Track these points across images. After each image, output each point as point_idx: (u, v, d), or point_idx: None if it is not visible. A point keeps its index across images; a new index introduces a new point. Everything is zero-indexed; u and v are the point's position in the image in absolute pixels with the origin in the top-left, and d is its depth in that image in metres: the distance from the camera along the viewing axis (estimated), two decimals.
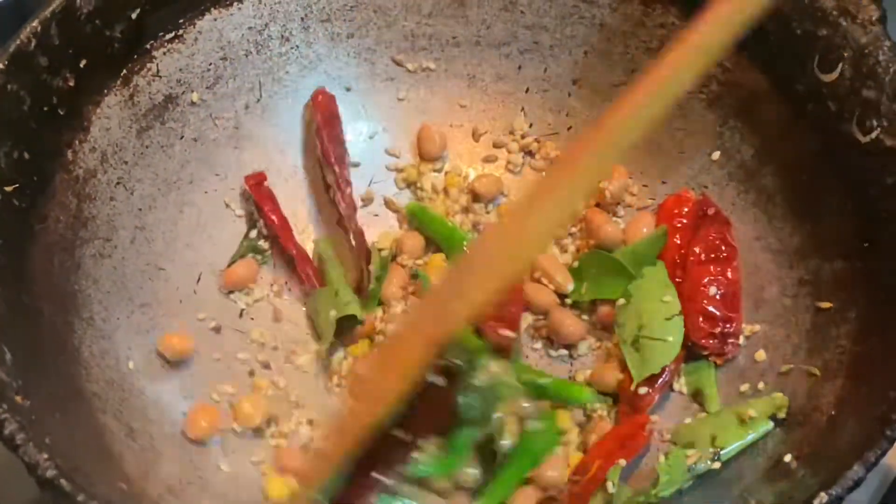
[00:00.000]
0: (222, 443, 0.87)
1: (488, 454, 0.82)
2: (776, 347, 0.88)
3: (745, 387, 0.88)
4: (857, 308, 0.82)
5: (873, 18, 0.84)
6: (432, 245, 0.99)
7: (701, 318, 0.90)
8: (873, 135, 0.82)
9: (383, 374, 0.74)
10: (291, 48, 1.01)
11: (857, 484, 0.67)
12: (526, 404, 0.82)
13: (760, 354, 0.89)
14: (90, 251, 0.88)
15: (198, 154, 0.97)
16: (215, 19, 0.96)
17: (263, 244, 0.98)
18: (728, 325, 0.90)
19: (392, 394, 0.72)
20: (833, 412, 0.78)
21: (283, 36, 1.00)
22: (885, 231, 0.81)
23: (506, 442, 0.81)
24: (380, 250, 0.98)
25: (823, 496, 0.66)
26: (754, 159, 0.94)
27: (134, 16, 0.90)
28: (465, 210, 1.01)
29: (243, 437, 0.88)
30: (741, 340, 0.90)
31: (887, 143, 0.81)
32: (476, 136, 1.05)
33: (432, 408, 0.77)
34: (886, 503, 0.87)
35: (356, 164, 1.03)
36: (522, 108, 1.05)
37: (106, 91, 0.90)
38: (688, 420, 0.88)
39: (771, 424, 0.83)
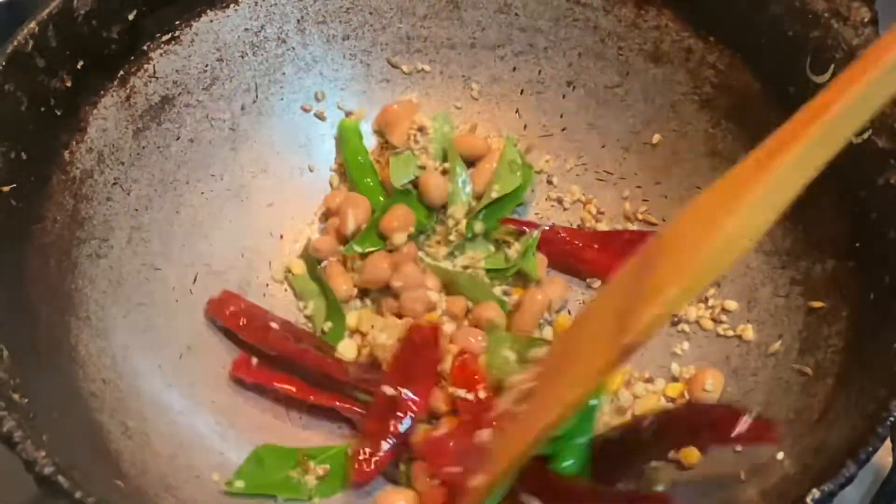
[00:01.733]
0: (220, 440, 0.88)
1: None
2: (768, 347, 0.89)
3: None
4: (848, 307, 0.83)
5: (865, 20, 0.84)
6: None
7: None
8: (864, 136, 0.82)
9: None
10: (287, 50, 1.01)
11: (849, 481, 0.67)
12: None
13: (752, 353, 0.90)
14: (87, 251, 0.88)
15: (194, 155, 0.97)
16: (211, 21, 0.97)
17: None
18: None
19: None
20: (825, 410, 0.78)
21: (279, 37, 1.00)
22: (875, 231, 0.81)
23: None
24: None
25: (815, 492, 0.66)
26: None
27: (130, 17, 0.90)
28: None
29: (241, 437, 0.89)
30: None
31: (878, 144, 0.81)
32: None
33: None
34: (878, 501, 0.87)
35: None
36: (517, 110, 1.06)
37: (103, 92, 0.90)
38: None
39: None
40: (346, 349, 0.94)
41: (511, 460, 0.75)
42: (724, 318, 0.94)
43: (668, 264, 0.66)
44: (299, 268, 0.99)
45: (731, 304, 0.93)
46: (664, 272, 0.66)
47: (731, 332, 0.93)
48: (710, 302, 0.95)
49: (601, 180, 1.03)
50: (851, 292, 0.83)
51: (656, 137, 1.00)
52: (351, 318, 0.96)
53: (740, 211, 0.63)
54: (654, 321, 0.65)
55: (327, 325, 0.96)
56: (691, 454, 0.84)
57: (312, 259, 0.99)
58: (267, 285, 0.99)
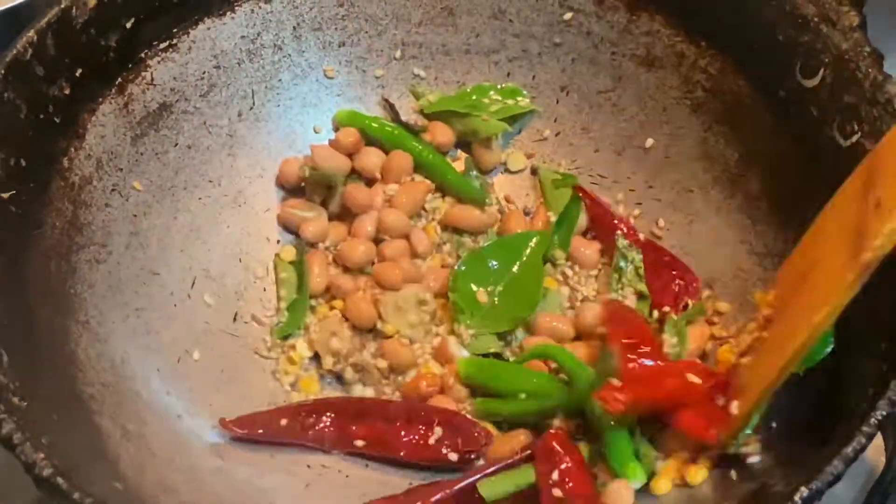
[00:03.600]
0: (218, 443, 0.88)
1: None
2: None
3: None
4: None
5: (853, 25, 0.85)
6: None
7: None
8: (854, 139, 0.83)
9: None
10: (284, 56, 1.02)
11: (837, 479, 0.68)
12: None
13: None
14: (86, 256, 0.89)
15: (192, 161, 0.98)
16: (208, 28, 0.98)
17: None
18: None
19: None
20: (815, 410, 0.79)
21: (275, 44, 1.02)
22: None
23: None
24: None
25: (804, 490, 0.67)
26: (738, 164, 0.95)
27: (128, 25, 0.91)
28: None
29: (239, 439, 0.89)
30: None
31: (867, 146, 0.82)
32: None
33: None
34: (871, 500, 0.88)
35: None
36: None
37: (101, 99, 0.91)
38: None
39: None
40: (302, 348, 0.95)
41: (767, 384, 0.76)
42: (715, 319, 0.94)
43: (890, 177, 0.68)
44: (288, 253, 1.00)
45: (724, 306, 0.94)
46: (889, 185, 0.67)
47: (723, 333, 0.93)
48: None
49: (595, 184, 1.03)
50: None
51: (649, 141, 1.01)
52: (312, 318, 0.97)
53: None
54: (890, 235, 0.66)
55: (284, 316, 0.97)
56: (697, 474, 0.83)
57: (303, 246, 1.00)
58: (264, 290, 0.99)
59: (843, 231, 0.71)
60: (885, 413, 0.70)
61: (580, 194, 1.02)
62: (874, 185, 0.69)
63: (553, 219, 1.02)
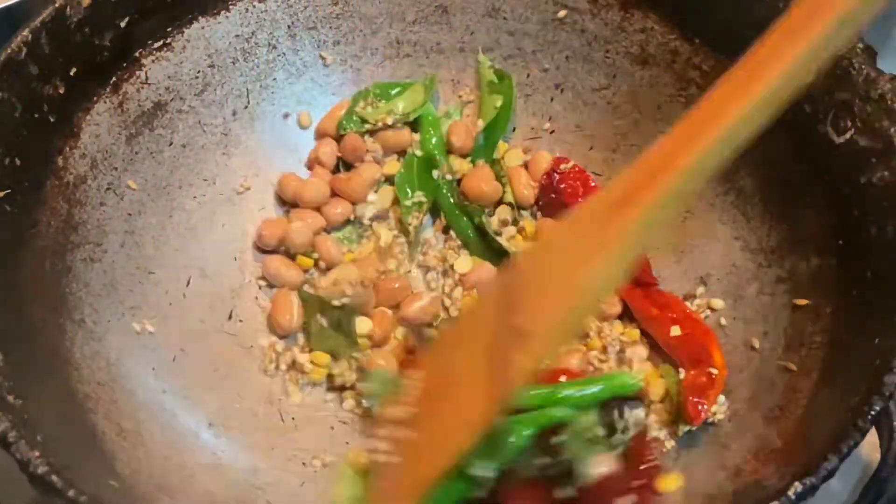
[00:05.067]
0: (213, 441, 0.88)
1: None
2: (753, 344, 0.90)
3: None
4: (831, 304, 0.84)
5: None
6: None
7: None
8: (847, 135, 0.83)
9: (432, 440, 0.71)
10: (278, 55, 1.02)
11: (831, 474, 0.68)
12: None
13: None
14: (81, 255, 0.89)
15: (187, 160, 0.98)
16: (203, 28, 0.98)
17: None
18: None
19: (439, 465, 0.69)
20: (808, 405, 0.79)
21: (270, 43, 1.02)
22: (859, 229, 0.82)
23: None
24: None
25: (798, 485, 0.67)
26: (732, 161, 0.95)
27: (123, 24, 0.91)
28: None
29: (234, 438, 0.90)
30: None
31: (861, 143, 0.82)
32: None
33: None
34: (866, 496, 0.88)
35: None
36: None
37: (95, 98, 0.91)
38: None
39: None
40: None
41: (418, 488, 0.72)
42: (710, 315, 0.95)
43: (532, 310, 0.66)
44: None
45: (718, 303, 0.94)
46: (529, 318, 0.65)
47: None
48: (697, 301, 0.95)
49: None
50: (835, 289, 0.84)
51: (643, 139, 1.01)
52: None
53: (598, 263, 0.63)
54: (527, 373, 0.65)
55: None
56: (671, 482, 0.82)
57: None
58: (259, 288, 0.99)
59: (483, 345, 0.68)
60: (878, 408, 0.70)
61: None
62: (515, 309, 0.66)
63: (481, 126, 1.04)
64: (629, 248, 0.63)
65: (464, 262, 0.99)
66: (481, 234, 1.00)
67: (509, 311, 0.67)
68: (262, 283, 0.99)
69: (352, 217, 1.02)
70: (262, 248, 1.00)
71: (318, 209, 1.01)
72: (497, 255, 0.99)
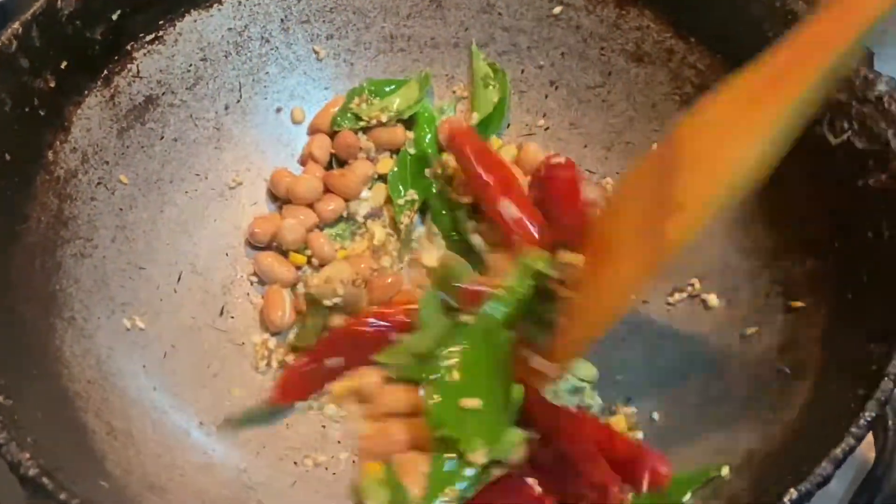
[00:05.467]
0: (204, 440, 0.88)
1: None
2: (749, 346, 0.89)
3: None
4: (826, 307, 0.84)
5: None
6: None
7: None
8: (844, 137, 0.83)
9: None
10: (271, 49, 1.02)
11: (826, 480, 0.68)
12: None
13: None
14: (71, 251, 0.88)
15: (178, 154, 0.98)
16: (195, 21, 0.97)
17: None
18: None
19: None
20: (803, 408, 0.79)
21: (262, 37, 1.01)
22: (854, 231, 0.82)
23: None
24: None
25: (793, 492, 0.67)
26: None
27: (114, 17, 0.90)
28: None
29: (225, 436, 0.89)
30: None
31: (857, 145, 0.82)
32: None
33: None
34: (861, 494, 0.88)
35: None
36: None
37: (86, 92, 0.91)
38: None
39: None
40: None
41: (571, 349, 0.80)
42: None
43: (685, 183, 0.69)
44: None
45: (713, 300, 0.94)
46: (683, 191, 0.69)
47: None
48: (684, 293, 0.96)
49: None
50: (830, 292, 0.84)
51: (638, 137, 1.01)
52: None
53: (748, 141, 0.66)
54: (679, 244, 0.68)
55: None
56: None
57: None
58: (251, 284, 0.99)
59: (641, 214, 0.73)
60: (874, 414, 0.70)
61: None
62: (670, 180, 0.70)
63: (476, 120, 1.04)
64: (778, 128, 0.67)
65: (430, 257, 0.99)
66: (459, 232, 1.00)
67: (664, 183, 0.70)
68: (255, 279, 0.99)
69: (345, 214, 1.01)
70: (253, 245, 0.99)
71: (310, 205, 1.00)
72: (475, 254, 0.98)
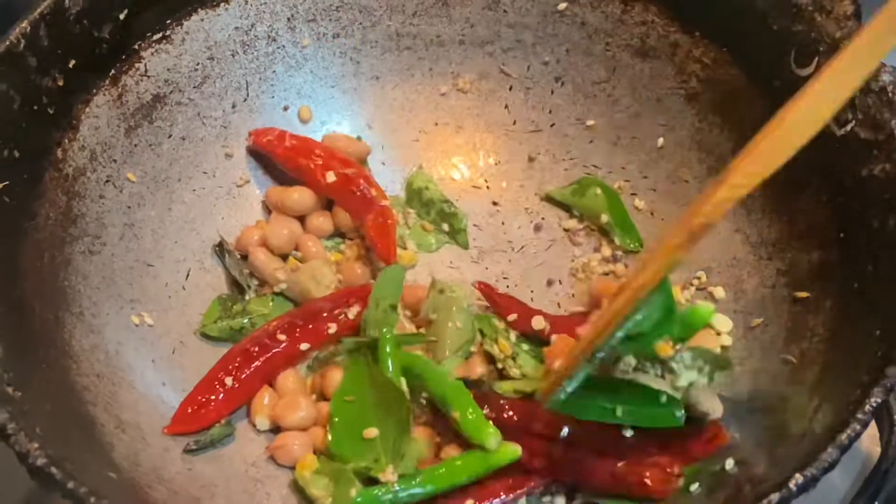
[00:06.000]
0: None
1: None
2: (755, 337, 0.89)
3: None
4: (832, 297, 0.84)
5: (848, 13, 0.85)
6: None
7: None
8: (848, 128, 0.83)
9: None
10: (278, 48, 1.02)
11: (832, 466, 0.68)
12: None
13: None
14: (80, 248, 0.89)
15: (186, 152, 0.98)
16: (202, 20, 0.98)
17: None
18: None
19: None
20: (809, 397, 0.79)
21: (269, 36, 1.01)
22: (859, 221, 0.82)
23: None
24: None
25: (799, 477, 0.67)
26: (733, 153, 0.94)
27: (122, 16, 0.91)
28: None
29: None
30: None
31: (862, 135, 0.82)
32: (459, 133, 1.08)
33: None
34: (866, 489, 0.88)
35: None
36: (506, 106, 1.07)
37: (95, 90, 0.91)
38: None
39: None
40: None
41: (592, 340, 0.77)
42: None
43: None
44: None
45: (720, 292, 0.94)
46: None
47: None
48: (693, 288, 0.96)
49: (589, 175, 1.04)
50: (835, 282, 0.84)
51: (644, 132, 1.01)
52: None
53: (804, 98, 0.66)
54: (721, 204, 0.67)
55: None
56: None
57: None
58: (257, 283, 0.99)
59: None
60: (879, 400, 0.70)
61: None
62: None
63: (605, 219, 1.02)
64: (831, 90, 0.66)
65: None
66: None
67: None
68: None
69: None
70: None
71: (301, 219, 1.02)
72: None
